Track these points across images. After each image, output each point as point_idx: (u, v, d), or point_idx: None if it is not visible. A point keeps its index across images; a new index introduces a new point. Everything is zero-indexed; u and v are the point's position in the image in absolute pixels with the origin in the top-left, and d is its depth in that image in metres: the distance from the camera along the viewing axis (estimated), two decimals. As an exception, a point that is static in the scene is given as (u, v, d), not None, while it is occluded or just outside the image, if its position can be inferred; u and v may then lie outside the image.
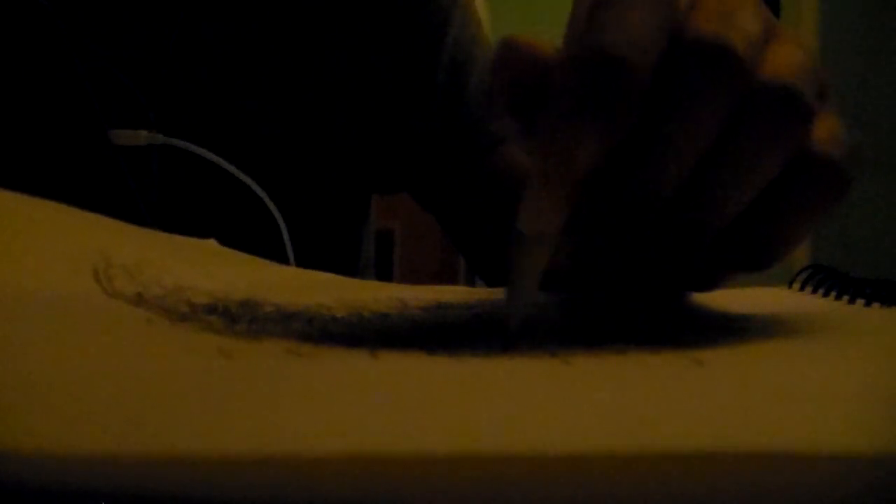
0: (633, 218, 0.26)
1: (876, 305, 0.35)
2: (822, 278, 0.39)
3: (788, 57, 0.26)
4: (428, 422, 0.15)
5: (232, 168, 0.56)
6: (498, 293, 0.38)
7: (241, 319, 0.25)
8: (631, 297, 0.31)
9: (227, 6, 0.59)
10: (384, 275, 0.69)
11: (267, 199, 0.57)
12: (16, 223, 0.31)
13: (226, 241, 0.41)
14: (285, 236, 0.57)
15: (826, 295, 0.38)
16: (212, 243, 0.40)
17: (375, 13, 0.63)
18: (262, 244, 0.46)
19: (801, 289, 0.40)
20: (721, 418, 0.15)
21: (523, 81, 0.26)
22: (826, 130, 0.27)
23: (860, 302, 0.36)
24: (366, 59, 0.63)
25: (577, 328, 0.29)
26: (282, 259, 0.56)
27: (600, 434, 0.14)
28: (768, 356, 0.23)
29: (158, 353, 0.21)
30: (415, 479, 0.12)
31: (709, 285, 0.31)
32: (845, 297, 0.37)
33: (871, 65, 2.53)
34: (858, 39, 2.55)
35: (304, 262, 0.57)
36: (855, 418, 0.15)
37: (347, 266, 0.66)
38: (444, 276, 1.89)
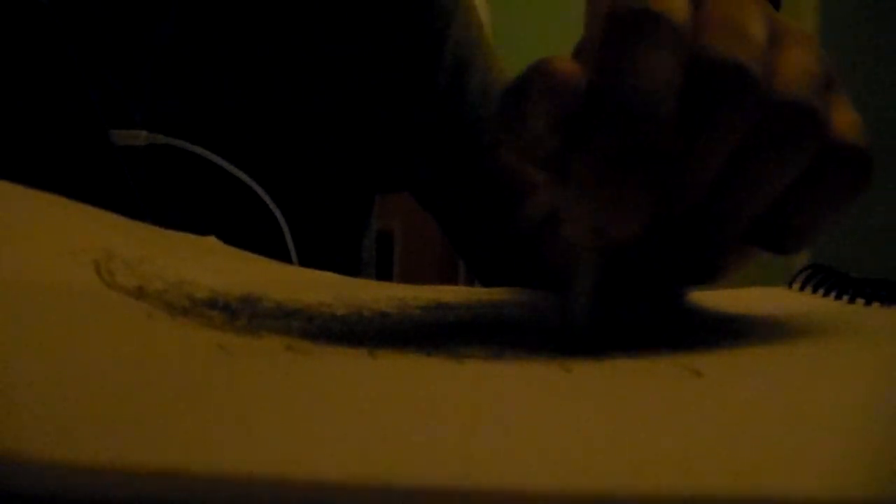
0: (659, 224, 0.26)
1: (876, 305, 0.35)
2: (822, 278, 0.39)
3: (798, 63, 0.27)
4: (422, 441, 0.15)
5: (233, 168, 0.56)
6: (498, 293, 0.38)
7: (242, 315, 0.25)
8: (631, 295, 0.31)
9: (227, 6, 0.59)
10: (384, 275, 0.69)
11: (268, 199, 0.57)
12: (17, 215, 0.31)
13: (228, 241, 0.41)
14: (287, 236, 0.57)
15: (826, 295, 0.38)
16: (212, 240, 0.40)
17: (377, 13, 0.63)
18: (264, 244, 0.46)
19: (801, 289, 0.40)
20: (715, 458, 0.15)
21: (559, 111, 0.25)
22: (843, 118, 0.27)
23: (860, 302, 0.36)
24: (367, 59, 0.63)
25: (575, 328, 0.29)
26: (284, 259, 0.56)
27: (594, 473, 0.14)
28: (767, 369, 0.23)
29: (159, 349, 0.21)
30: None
31: (713, 277, 0.31)
32: (845, 297, 0.37)
33: (871, 65, 2.53)
34: (858, 39, 2.55)
35: (305, 261, 0.57)
36: (852, 456, 0.15)
37: (349, 265, 0.66)
38: (444, 276, 1.89)
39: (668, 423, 0.16)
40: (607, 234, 0.24)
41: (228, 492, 0.12)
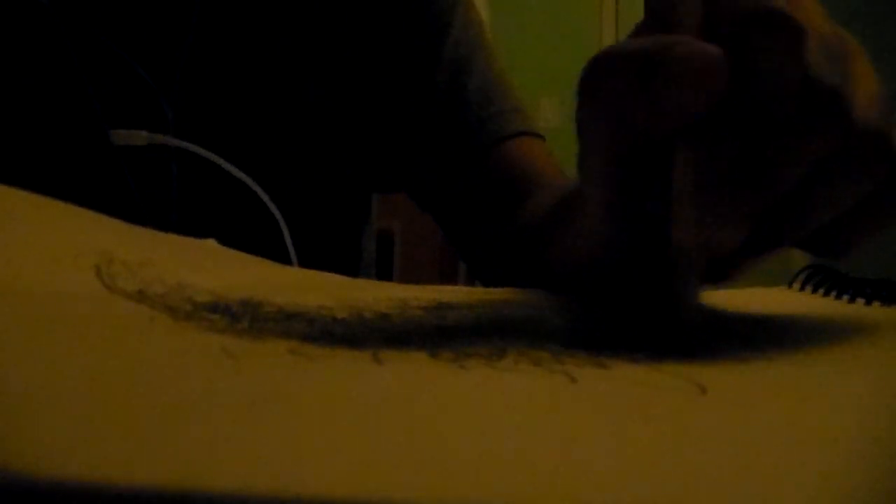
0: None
1: (876, 305, 0.35)
2: (822, 278, 0.39)
3: (870, 86, 0.27)
4: (429, 449, 0.15)
5: (232, 168, 0.56)
6: (498, 293, 0.38)
7: (243, 318, 0.25)
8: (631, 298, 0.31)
9: (227, 7, 0.59)
10: (384, 275, 0.69)
11: (267, 200, 0.57)
12: (18, 219, 0.31)
13: (227, 242, 0.41)
14: (287, 237, 0.57)
15: (826, 295, 0.38)
16: (211, 243, 0.40)
17: (378, 13, 0.63)
18: (264, 244, 0.46)
19: (801, 289, 0.40)
20: (718, 486, 0.15)
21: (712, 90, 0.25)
22: None
23: (860, 302, 0.36)
24: (367, 58, 0.63)
25: (581, 329, 0.29)
26: (283, 259, 0.56)
27: (596, 487, 0.14)
28: (770, 383, 0.23)
29: (162, 353, 0.21)
30: None
31: (728, 280, 0.31)
32: (845, 297, 0.37)
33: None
34: (858, 39, 2.54)
35: (305, 262, 0.57)
36: (852, 480, 0.15)
37: (349, 266, 0.66)
38: (445, 276, 1.89)
39: (672, 450, 0.16)
40: (711, 241, 0.24)
41: (234, 499, 0.12)
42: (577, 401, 0.19)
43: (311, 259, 0.57)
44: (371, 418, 0.16)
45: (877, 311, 0.34)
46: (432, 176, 0.65)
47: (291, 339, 0.23)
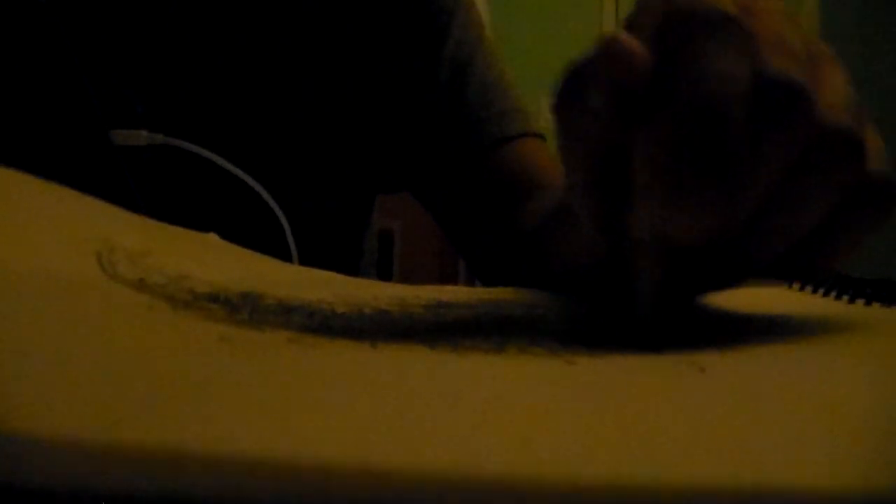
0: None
1: (876, 305, 0.35)
2: (822, 278, 0.39)
3: (839, 88, 0.27)
4: (428, 426, 0.15)
5: (233, 168, 0.56)
6: (498, 293, 0.38)
7: (243, 310, 0.25)
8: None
9: (227, 5, 0.59)
10: (384, 275, 0.69)
11: (269, 199, 0.57)
12: (20, 203, 0.31)
13: (228, 240, 0.41)
14: (289, 237, 0.57)
15: (826, 295, 0.38)
16: (213, 237, 0.40)
17: (379, 12, 0.63)
18: (265, 243, 0.46)
19: (801, 289, 0.40)
20: (717, 450, 0.15)
21: (624, 85, 0.25)
22: (874, 146, 0.27)
23: (860, 302, 0.36)
24: (368, 57, 0.63)
25: (580, 329, 0.29)
26: (285, 257, 0.56)
27: (600, 461, 0.14)
28: (769, 366, 0.23)
29: (160, 339, 0.21)
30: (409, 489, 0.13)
31: (727, 286, 0.31)
32: (845, 297, 0.37)
33: (870, 65, 2.53)
34: (858, 39, 2.55)
35: (306, 260, 0.57)
36: (853, 451, 0.15)
37: (350, 265, 0.66)
38: (444, 276, 1.89)
39: (671, 414, 0.16)
40: (668, 235, 0.24)
41: (233, 478, 0.12)
42: (575, 378, 0.19)
43: (313, 257, 0.57)
44: (366, 393, 0.17)
45: (877, 312, 0.34)
46: (433, 177, 0.65)
47: (291, 329, 0.23)
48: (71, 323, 0.21)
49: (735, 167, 0.24)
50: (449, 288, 0.39)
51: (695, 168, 0.24)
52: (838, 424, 0.16)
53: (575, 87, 0.25)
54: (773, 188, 0.26)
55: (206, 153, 0.56)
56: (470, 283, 1.60)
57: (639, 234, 0.25)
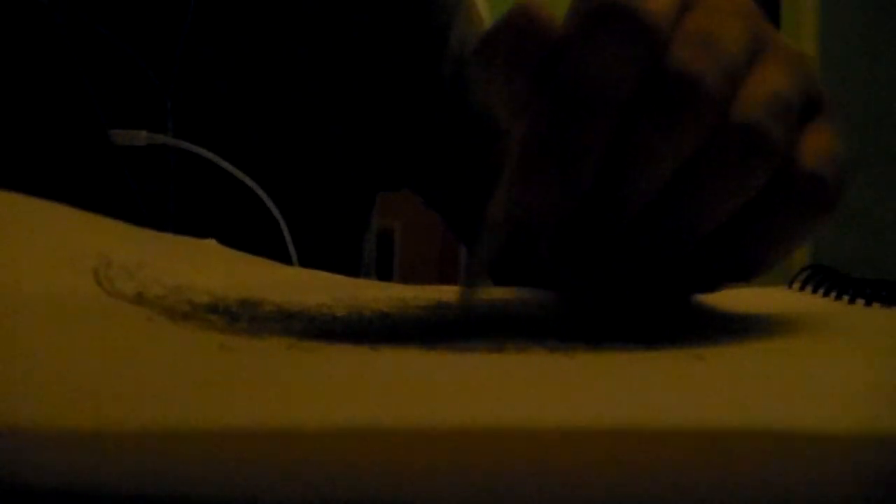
0: (602, 228, 0.26)
1: (876, 305, 0.35)
2: (822, 278, 0.39)
3: (768, 85, 0.26)
4: (428, 406, 0.15)
5: (232, 168, 0.56)
6: (499, 292, 0.38)
7: (242, 318, 0.25)
8: (629, 297, 0.31)
9: (227, 4, 0.59)
10: (384, 275, 0.70)
11: (268, 200, 0.57)
12: (16, 223, 0.31)
13: (227, 242, 0.41)
14: (287, 237, 0.57)
15: (826, 295, 0.38)
16: (211, 243, 0.40)
17: (381, 10, 0.63)
18: (264, 244, 0.46)
19: (801, 289, 0.40)
20: (721, 401, 0.15)
21: (527, 51, 0.26)
22: (816, 145, 0.27)
23: (860, 302, 0.36)
24: (370, 55, 0.63)
25: (576, 327, 0.29)
26: (284, 260, 0.56)
27: (598, 412, 0.14)
28: (768, 354, 0.23)
29: (159, 350, 0.21)
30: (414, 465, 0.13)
31: (707, 288, 0.31)
32: (845, 297, 0.37)
33: (871, 65, 2.53)
34: (858, 39, 2.55)
35: (306, 262, 0.57)
36: (852, 403, 0.16)
37: (349, 265, 0.66)
38: (444, 276, 1.89)
39: (671, 386, 0.17)
40: (511, 211, 0.25)
41: (230, 475, 0.12)
42: (574, 366, 0.20)
43: (312, 259, 0.57)
44: (365, 394, 0.17)
45: (877, 312, 0.34)
46: (436, 173, 0.65)
47: (290, 336, 0.23)
48: (69, 340, 0.21)
49: (579, 150, 0.24)
50: (449, 288, 0.39)
51: (543, 149, 0.24)
52: (837, 404, 0.17)
53: (487, 48, 0.26)
54: (668, 179, 0.25)
55: (206, 153, 0.56)
56: (470, 282, 1.60)
57: (489, 216, 0.26)
